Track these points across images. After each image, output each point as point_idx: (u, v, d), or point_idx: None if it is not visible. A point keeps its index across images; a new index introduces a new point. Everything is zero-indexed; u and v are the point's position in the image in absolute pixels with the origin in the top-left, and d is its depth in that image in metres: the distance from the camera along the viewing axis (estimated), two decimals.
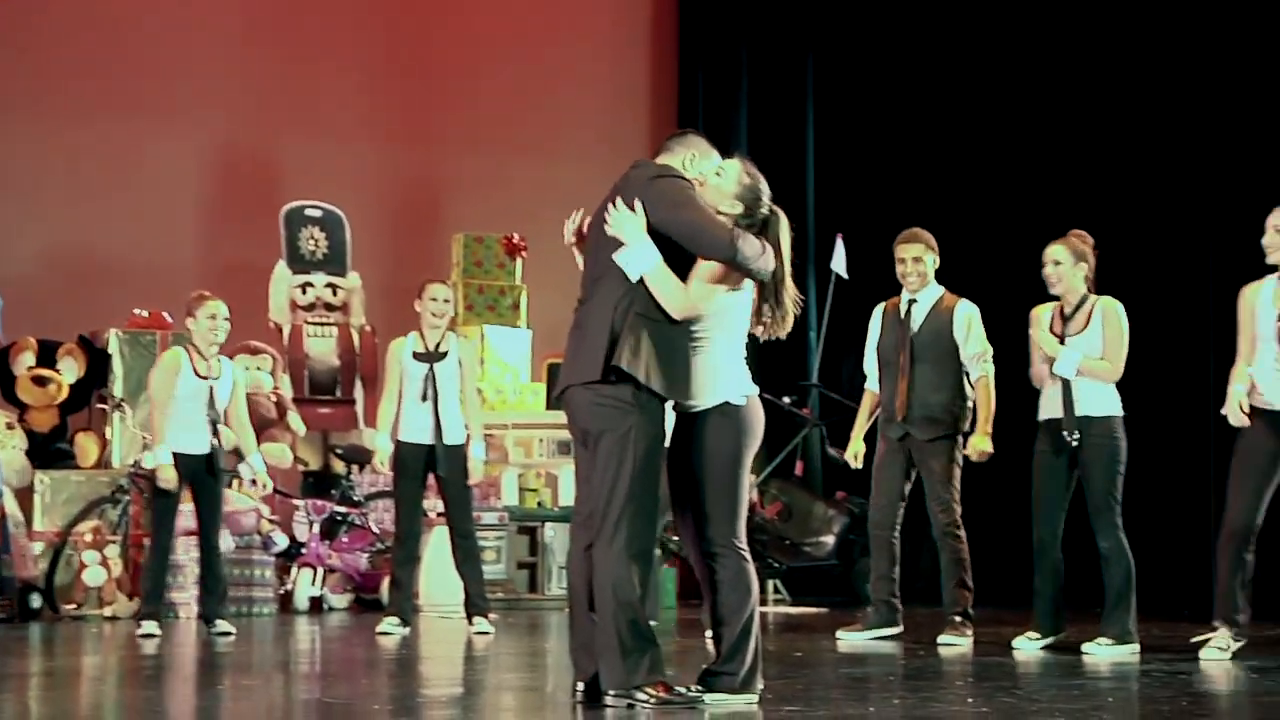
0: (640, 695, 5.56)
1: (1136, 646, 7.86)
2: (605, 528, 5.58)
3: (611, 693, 5.59)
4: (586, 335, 5.65)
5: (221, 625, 8.95)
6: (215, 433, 8.95)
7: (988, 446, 8.44)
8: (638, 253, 5.62)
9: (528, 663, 8.00)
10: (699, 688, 5.78)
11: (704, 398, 5.78)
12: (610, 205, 5.68)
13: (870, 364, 8.74)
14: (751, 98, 13.55)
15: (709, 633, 5.85)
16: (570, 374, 5.70)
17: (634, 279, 5.62)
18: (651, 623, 8.89)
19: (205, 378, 8.97)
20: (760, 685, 5.82)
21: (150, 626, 8.85)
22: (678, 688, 5.65)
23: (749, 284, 5.80)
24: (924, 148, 12.44)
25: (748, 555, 5.77)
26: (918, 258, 8.56)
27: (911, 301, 8.59)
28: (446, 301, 9.28)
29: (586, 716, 5.58)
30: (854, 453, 8.78)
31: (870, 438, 8.74)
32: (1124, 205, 11.02)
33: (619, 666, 5.56)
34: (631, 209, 5.62)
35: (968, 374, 8.54)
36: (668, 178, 5.66)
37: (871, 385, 8.74)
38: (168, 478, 8.79)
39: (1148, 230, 10.90)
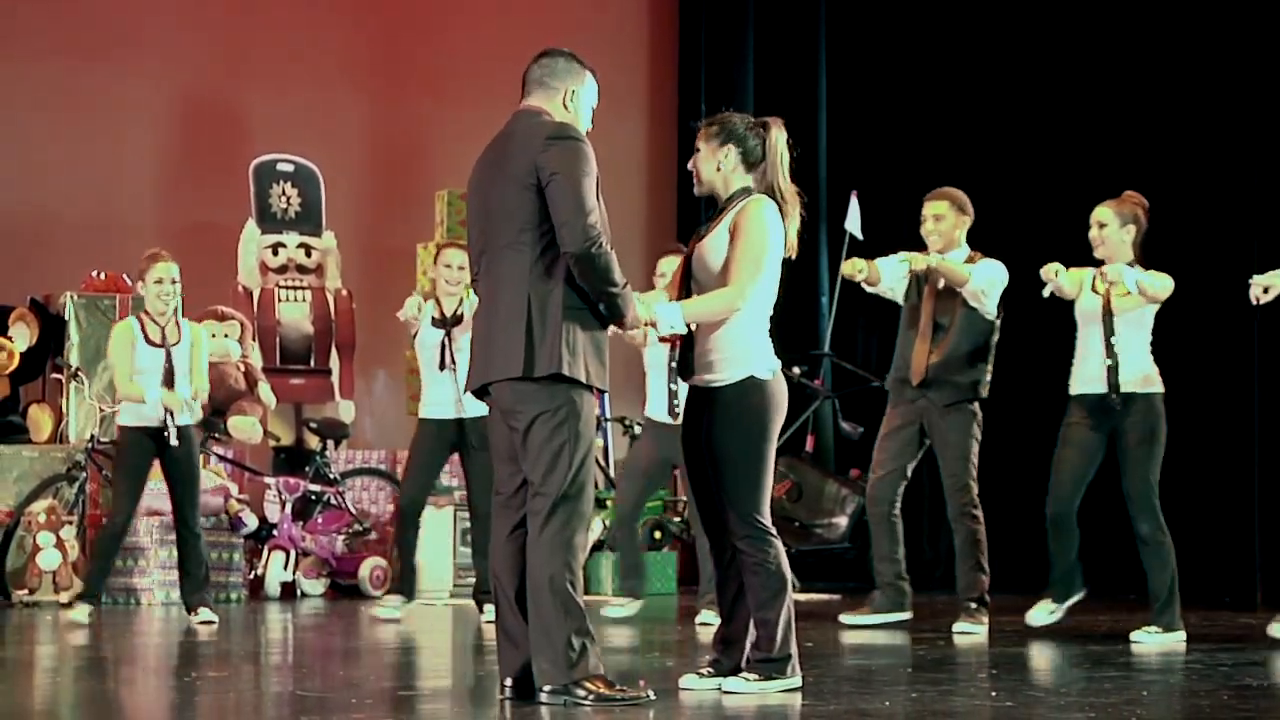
0: (579, 691, 5.57)
1: (1183, 635, 7.97)
2: (539, 516, 5.61)
3: (547, 689, 5.59)
4: (504, 324, 5.65)
5: (204, 614, 8.99)
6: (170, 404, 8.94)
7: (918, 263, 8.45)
8: (667, 318, 5.87)
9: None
10: (754, 676, 5.92)
11: (727, 371, 5.87)
12: (503, 169, 5.86)
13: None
14: (759, 38, 13.50)
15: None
16: (490, 369, 5.71)
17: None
18: (636, 605, 9.09)
19: (160, 345, 8.98)
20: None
21: (82, 612, 8.92)
22: (618, 685, 5.67)
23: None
24: (947, 97, 12.37)
25: (776, 534, 5.97)
26: (939, 215, 8.66)
27: None
28: (462, 268, 9.37)
29: (516, 715, 5.57)
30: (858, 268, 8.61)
31: (877, 404, 8.73)
32: (1164, 164, 10.94)
33: (555, 662, 5.57)
34: (530, 166, 5.75)
35: (990, 338, 8.58)
36: (567, 140, 5.74)
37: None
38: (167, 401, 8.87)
39: (1187, 193, 10.82)
